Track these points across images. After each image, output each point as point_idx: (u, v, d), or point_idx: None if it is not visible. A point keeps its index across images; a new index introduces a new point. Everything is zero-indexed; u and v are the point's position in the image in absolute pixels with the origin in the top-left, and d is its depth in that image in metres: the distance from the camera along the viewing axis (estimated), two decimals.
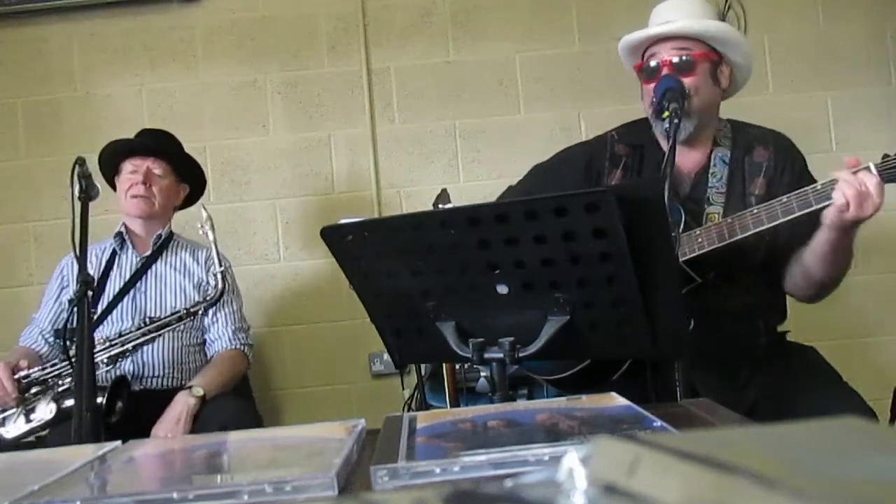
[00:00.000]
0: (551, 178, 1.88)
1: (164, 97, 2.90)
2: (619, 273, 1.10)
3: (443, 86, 2.90)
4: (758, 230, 1.60)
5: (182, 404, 2.06)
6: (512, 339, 1.16)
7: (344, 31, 2.91)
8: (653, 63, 1.77)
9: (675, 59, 1.74)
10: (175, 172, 2.37)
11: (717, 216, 1.71)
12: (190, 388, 2.10)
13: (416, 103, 2.90)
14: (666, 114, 1.62)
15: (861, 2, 2.90)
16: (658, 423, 0.85)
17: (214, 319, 2.30)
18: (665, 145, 1.82)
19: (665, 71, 1.74)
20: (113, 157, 2.33)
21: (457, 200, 2.03)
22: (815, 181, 1.62)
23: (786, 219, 1.57)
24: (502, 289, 1.17)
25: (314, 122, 2.90)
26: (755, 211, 1.61)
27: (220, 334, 2.30)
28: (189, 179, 2.44)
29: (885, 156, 1.54)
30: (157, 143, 2.36)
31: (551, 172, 1.92)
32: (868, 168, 1.51)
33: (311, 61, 2.90)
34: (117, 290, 2.27)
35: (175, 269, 2.33)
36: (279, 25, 2.91)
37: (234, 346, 2.30)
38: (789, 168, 1.76)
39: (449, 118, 2.90)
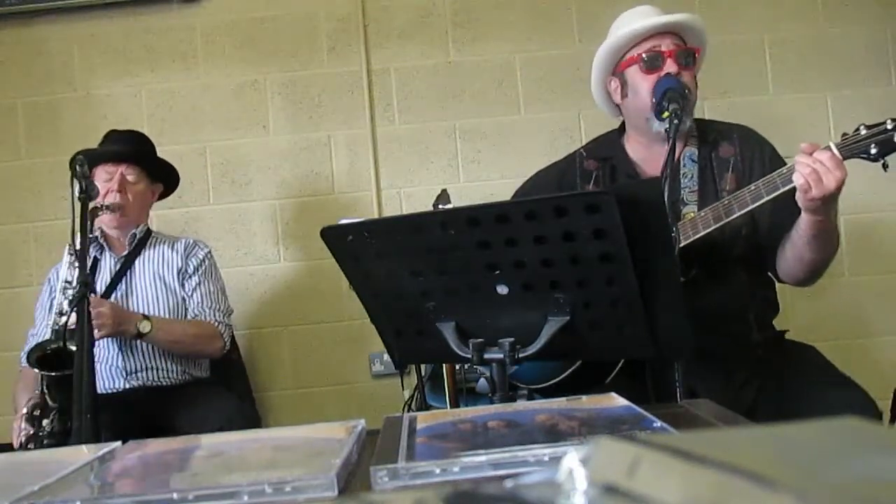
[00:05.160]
0: None
1: (164, 97, 2.90)
2: (619, 273, 1.10)
3: (443, 86, 2.90)
4: (730, 219, 1.62)
5: (128, 318, 2.09)
6: (512, 339, 1.16)
7: (344, 31, 2.91)
8: (656, 53, 1.77)
9: (680, 51, 1.77)
10: (148, 175, 2.37)
11: (692, 215, 1.72)
12: (146, 318, 2.12)
13: (416, 104, 2.90)
14: (666, 114, 1.63)
15: (861, 2, 2.90)
16: (658, 423, 0.85)
17: (191, 299, 2.32)
18: (639, 150, 1.84)
19: (669, 61, 1.75)
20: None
21: (457, 201, 2.04)
22: (786, 164, 1.63)
23: (755, 204, 1.60)
24: (502, 289, 1.17)
25: (314, 123, 2.90)
26: (726, 202, 1.63)
27: (197, 311, 2.30)
28: (162, 178, 2.44)
29: (844, 134, 1.56)
30: (128, 149, 2.34)
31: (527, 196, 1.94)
32: (828, 147, 1.53)
33: (311, 61, 2.90)
34: (102, 293, 2.26)
35: (153, 263, 2.34)
36: (279, 25, 2.91)
37: (210, 322, 2.29)
38: (758, 159, 1.77)
39: (449, 118, 2.90)
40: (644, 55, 1.77)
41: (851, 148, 1.53)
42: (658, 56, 1.76)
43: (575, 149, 2.07)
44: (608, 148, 1.91)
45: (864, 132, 1.54)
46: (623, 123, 1.93)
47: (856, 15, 2.89)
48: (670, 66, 1.74)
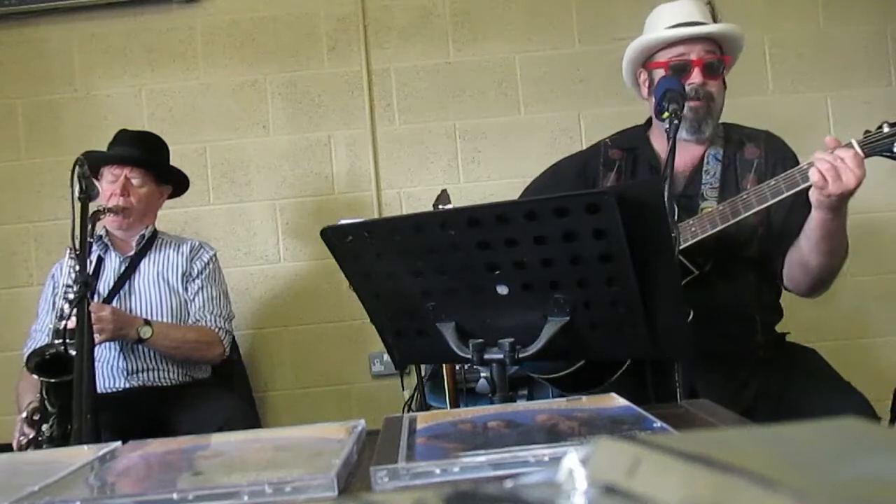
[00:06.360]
0: (549, 190, 1.90)
1: (164, 97, 2.90)
2: (619, 273, 1.10)
3: (443, 86, 2.90)
4: (749, 213, 1.62)
5: (129, 323, 2.08)
6: (512, 339, 1.16)
7: (344, 31, 2.91)
8: (684, 62, 1.78)
9: (709, 61, 1.77)
10: (155, 178, 2.36)
11: (710, 209, 1.72)
12: (147, 323, 2.12)
13: (416, 104, 2.90)
14: (666, 114, 1.63)
15: (861, 2, 2.90)
16: (658, 423, 0.85)
17: (193, 303, 2.31)
18: (663, 143, 1.84)
19: (696, 71, 1.76)
20: (93, 164, 2.29)
21: (457, 201, 2.03)
22: None
23: (774, 200, 1.59)
24: (502, 289, 1.17)
25: (314, 123, 2.90)
26: (745, 196, 1.63)
27: (199, 316, 2.30)
28: (171, 180, 2.43)
29: (867, 131, 1.56)
30: (133, 152, 2.32)
31: (548, 185, 1.95)
32: (850, 144, 1.52)
33: (311, 61, 2.90)
34: (106, 293, 2.26)
35: (157, 264, 2.33)
36: (279, 26, 2.91)
37: (211, 328, 2.29)
38: (780, 165, 1.77)
39: (449, 119, 2.90)
40: (672, 63, 1.79)
41: (874, 146, 1.53)
42: (686, 65, 1.77)
43: (575, 149, 2.08)
44: (633, 139, 1.93)
45: (886, 130, 1.53)
46: (650, 118, 1.94)
47: (856, 15, 2.89)
48: (696, 77, 1.76)
